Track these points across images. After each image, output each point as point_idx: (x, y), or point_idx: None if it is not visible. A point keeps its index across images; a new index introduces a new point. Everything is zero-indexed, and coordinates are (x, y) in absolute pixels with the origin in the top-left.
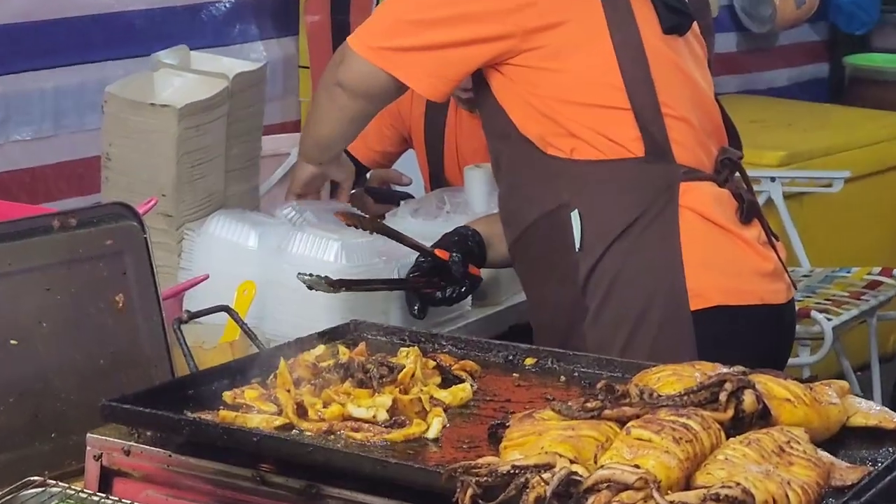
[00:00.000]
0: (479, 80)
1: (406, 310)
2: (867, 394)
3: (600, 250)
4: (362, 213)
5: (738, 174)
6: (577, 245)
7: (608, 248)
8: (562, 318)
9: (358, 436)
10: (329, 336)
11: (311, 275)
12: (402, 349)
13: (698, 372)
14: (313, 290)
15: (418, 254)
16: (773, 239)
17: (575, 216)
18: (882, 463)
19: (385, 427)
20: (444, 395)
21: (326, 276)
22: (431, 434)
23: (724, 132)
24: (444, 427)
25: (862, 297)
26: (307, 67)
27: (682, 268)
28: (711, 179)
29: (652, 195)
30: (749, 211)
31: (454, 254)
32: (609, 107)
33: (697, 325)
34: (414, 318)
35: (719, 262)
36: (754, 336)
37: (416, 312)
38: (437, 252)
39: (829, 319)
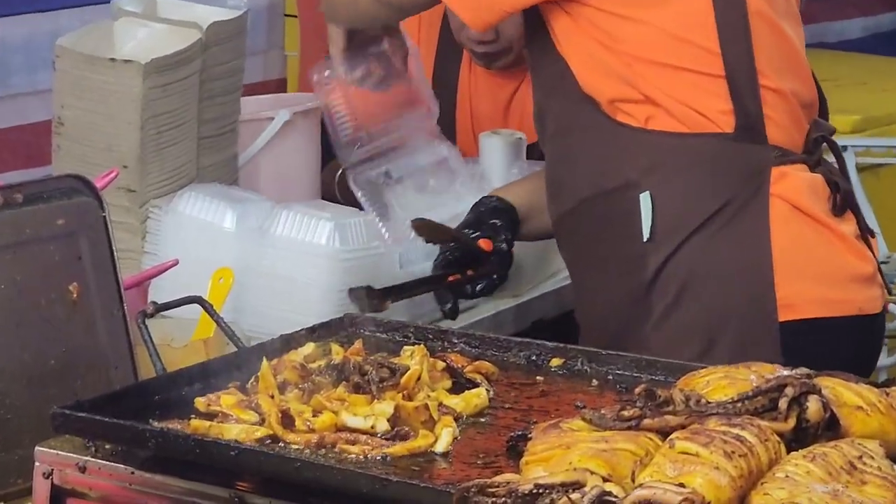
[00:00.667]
0: (534, 20)
1: (409, 303)
2: None
3: (675, 243)
4: (441, 224)
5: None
6: (646, 234)
7: (685, 240)
8: (618, 317)
9: (354, 449)
10: (320, 332)
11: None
12: (405, 348)
13: (754, 374)
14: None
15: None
16: (867, 234)
17: (645, 199)
18: None
19: (385, 439)
20: (456, 402)
21: (368, 287)
22: (440, 448)
23: (818, 102)
24: (454, 439)
25: None
26: (294, 16)
27: (771, 271)
28: (803, 162)
29: (739, 180)
30: (844, 201)
31: (500, 240)
32: (699, 72)
33: (785, 339)
34: (445, 317)
35: (813, 264)
36: (850, 352)
37: (448, 311)
38: (482, 243)
39: None
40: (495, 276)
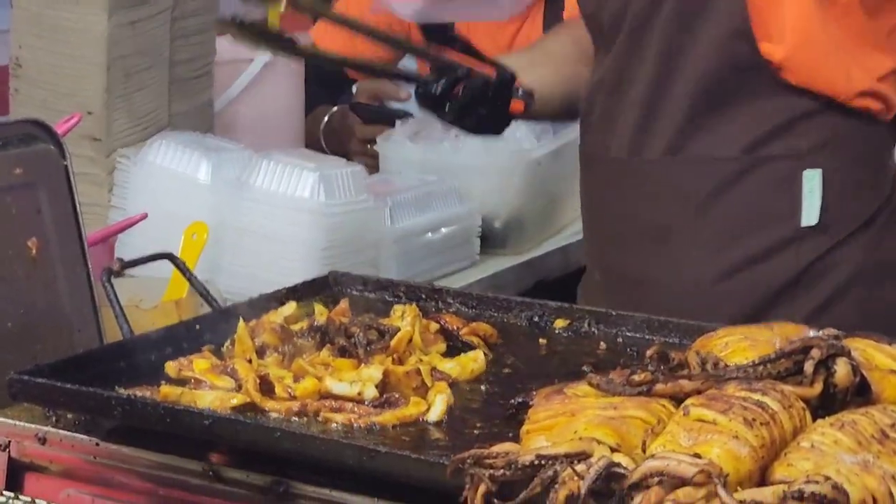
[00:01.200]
0: None
1: (400, 260)
2: None
3: (841, 233)
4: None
5: None
6: (808, 217)
7: (853, 233)
8: (752, 303)
9: (338, 418)
10: (302, 292)
11: None
12: (395, 307)
13: (777, 336)
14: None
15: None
16: None
17: (813, 178)
18: None
19: (373, 407)
20: (450, 367)
21: None
22: (433, 416)
23: None
24: (449, 407)
25: None
26: None
27: None
28: None
29: None
30: None
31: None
32: None
33: None
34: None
35: None
36: None
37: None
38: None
39: None
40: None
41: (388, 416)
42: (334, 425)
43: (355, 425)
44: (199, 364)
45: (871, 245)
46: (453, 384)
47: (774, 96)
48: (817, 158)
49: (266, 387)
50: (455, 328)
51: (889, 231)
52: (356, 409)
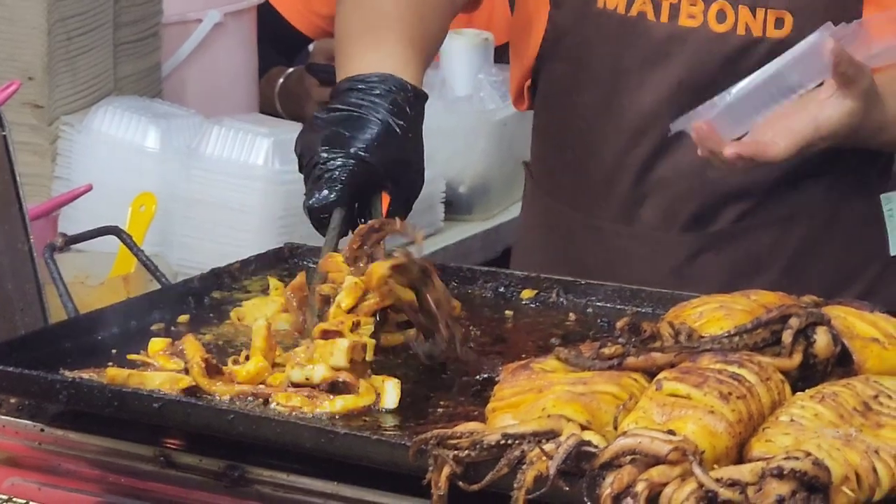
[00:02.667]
0: None
1: None
2: None
3: None
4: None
5: None
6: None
7: None
8: None
9: (286, 403)
10: (257, 265)
11: None
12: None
13: (755, 304)
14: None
15: None
16: None
17: (891, 201)
18: None
19: (325, 391)
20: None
21: None
22: (388, 404)
23: None
24: (409, 386)
25: None
26: None
27: None
28: None
29: None
30: None
31: None
32: None
33: None
34: None
35: None
36: None
37: None
38: None
39: None
40: None
41: (338, 405)
42: (282, 409)
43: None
44: (153, 344)
45: None
46: (415, 360)
47: None
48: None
49: (212, 369)
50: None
51: None
52: (306, 393)
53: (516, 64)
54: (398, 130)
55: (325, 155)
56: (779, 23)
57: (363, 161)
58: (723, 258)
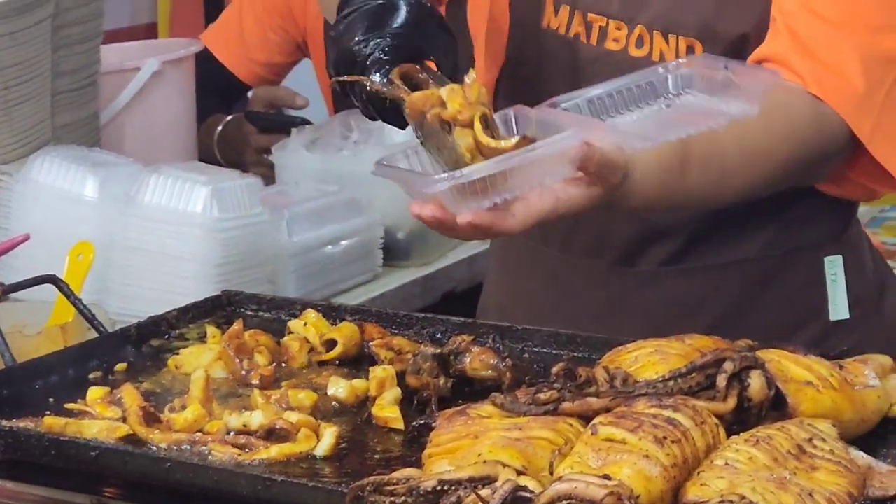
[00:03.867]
0: None
1: (300, 275)
2: None
3: (870, 316)
4: None
5: None
6: (836, 312)
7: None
8: None
9: (222, 451)
10: (195, 313)
11: None
12: (290, 323)
13: (689, 348)
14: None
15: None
16: None
17: (835, 266)
18: None
19: (262, 439)
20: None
21: None
22: (320, 451)
23: None
24: (344, 433)
25: None
26: None
27: None
28: None
29: None
30: None
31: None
32: None
33: None
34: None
35: None
36: None
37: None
38: None
39: None
40: None
41: (274, 452)
42: (222, 457)
43: (239, 461)
44: (92, 393)
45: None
46: (351, 406)
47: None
48: (837, 245)
49: (150, 417)
50: (370, 338)
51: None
52: (243, 441)
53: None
54: (425, 5)
55: (364, 47)
56: (690, 50)
57: (404, 37)
58: (656, 300)
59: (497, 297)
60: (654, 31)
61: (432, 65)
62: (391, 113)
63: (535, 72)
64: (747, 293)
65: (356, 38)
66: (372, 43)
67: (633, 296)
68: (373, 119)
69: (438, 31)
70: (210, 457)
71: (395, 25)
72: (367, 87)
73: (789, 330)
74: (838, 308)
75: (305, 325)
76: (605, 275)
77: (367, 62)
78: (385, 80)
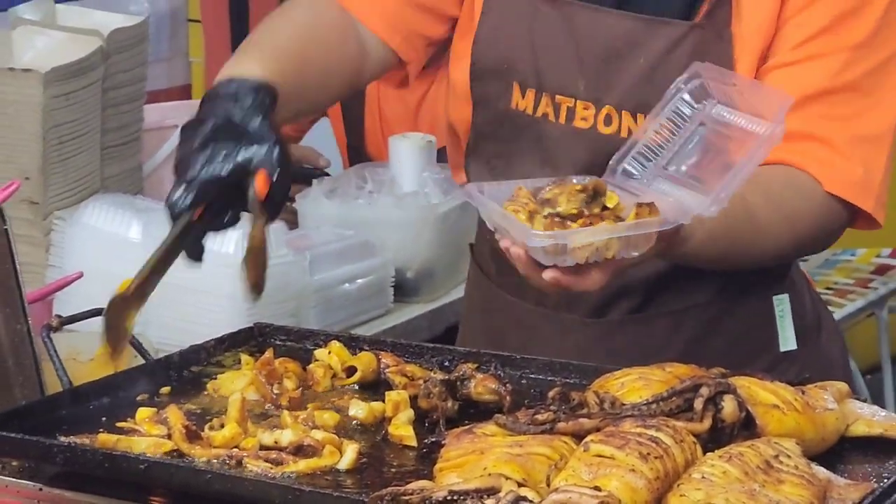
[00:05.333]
0: None
1: (320, 310)
2: (877, 400)
3: (814, 343)
4: None
5: None
6: (784, 342)
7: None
8: None
9: (257, 465)
10: (229, 342)
11: None
12: (315, 352)
13: (669, 375)
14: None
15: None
16: None
17: (782, 304)
18: (888, 479)
19: (291, 454)
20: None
21: None
22: (343, 465)
23: None
24: (365, 448)
25: (869, 285)
26: (198, 21)
27: None
28: None
29: None
30: None
31: None
32: None
33: None
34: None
35: None
36: None
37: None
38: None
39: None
40: None
41: (302, 466)
42: (256, 470)
43: (270, 474)
44: (141, 413)
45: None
46: (370, 425)
47: None
48: (782, 285)
49: (192, 435)
50: (385, 365)
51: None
52: (274, 456)
53: (451, 157)
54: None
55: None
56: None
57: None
58: (620, 346)
59: (472, 339)
60: (623, 111)
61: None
62: None
63: (504, 147)
64: (704, 332)
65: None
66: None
67: (601, 342)
68: None
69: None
70: (245, 470)
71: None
72: None
73: (744, 361)
74: (787, 340)
75: (329, 353)
76: (576, 324)
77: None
78: None
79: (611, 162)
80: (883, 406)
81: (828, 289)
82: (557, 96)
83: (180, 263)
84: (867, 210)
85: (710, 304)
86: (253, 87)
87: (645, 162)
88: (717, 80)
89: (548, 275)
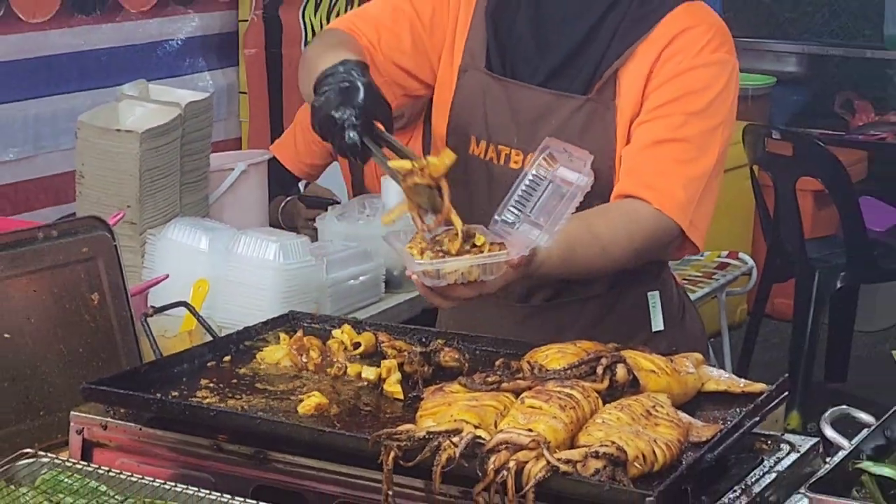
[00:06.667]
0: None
1: (333, 299)
2: (719, 357)
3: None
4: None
5: None
6: (655, 324)
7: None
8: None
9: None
10: (271, 324)
11: None
12: (334, 332)
13: (579, 349)
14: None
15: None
16: None
17: (654, 297)
18: (731, 421)
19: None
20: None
21: None
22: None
23: None
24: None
25: (713, 277)
26: (245, 93)
27: None
28: None
29: None
30: None
31: None
32: None
33: None
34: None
35: None
36: None
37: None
38: None
39: None
40: None
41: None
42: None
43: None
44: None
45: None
46: (372, 382)
47: None
48: (655, 283)
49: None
50: (381, 341)
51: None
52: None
53: None
54: (363, 80)
55: (338, 114)
56: None
57: (364, 108)
58: (541, 322)
59: (446, 322)
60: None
61: (380, 126)
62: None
63: (464, 181)
64: (600, 315)
65: (332, 108)
66: (345, 111)
67: (528, 320)
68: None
69: (383, 105)
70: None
71: (358, 100)
72: (357, 151)
73: (628, 338)
74: (658, 323)
75: (342, 332)
76: (511, 308)
77: (344, 124)
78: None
79: (494, 216)
80: (722, 362)
81: (685, 279)
82: (499, 145)
83: (234, 266)
84: (683, 227)
85: (604, 295)
86: (352, 62)
87: (517, 212)
88: (559, 150)
89: (423, 290)
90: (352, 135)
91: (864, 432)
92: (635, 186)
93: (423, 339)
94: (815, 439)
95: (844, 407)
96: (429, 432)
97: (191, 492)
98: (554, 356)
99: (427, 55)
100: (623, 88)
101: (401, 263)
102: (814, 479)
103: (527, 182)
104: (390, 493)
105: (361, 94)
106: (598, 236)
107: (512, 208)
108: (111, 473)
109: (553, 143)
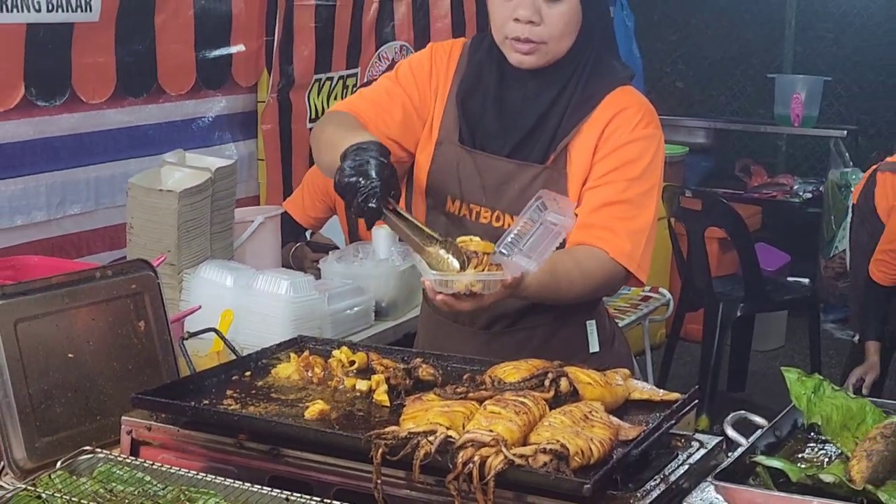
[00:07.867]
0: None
1: (333, 326)
2: (643, 372)
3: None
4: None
5: None
6: (591, 347)
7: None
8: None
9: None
10: (283, 346)
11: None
12: (334, 352)
13: (531, 366)
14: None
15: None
16: None
17: (592, 326)
18: (652, 424)
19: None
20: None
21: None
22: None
23: None
24: (364, 405)
25: (638, 307)
26: (263, 160)
27: None
28: None
29: None
30: None
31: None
32: None
33: None
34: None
35: None
36: None
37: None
38: None
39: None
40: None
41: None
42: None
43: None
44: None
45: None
46: (364, 393)
47: None
48: (592, 314)
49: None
50: (372, 359)
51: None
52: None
53: None
54: (386, 161)
55: (362, 182)
56: None
57: (381, 181)
58: (501, 345)
59: (423, 344)
60: (506, 214)
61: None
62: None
63: (443, 233)
64: (547, 340)
65: (358, 176)
66: (369, 182)
67: (489, 343)
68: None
69: (397, 182)
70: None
71: (383, 174)
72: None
73: (570, 357)
74: (594, 345)
75: (341, 352)
76: (477, 334)
77: (368, 192)
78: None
79: (495, 247)
80: (646, 376)
81: (615, 310)
82: (471, 204)
83: (254, 299)
84: (632, 270)
85: (550, 324)
86: (377, 143)
87: (512, 247)
88: (550, 199)
89: (439, 297)
90: (372, 203)
91: (759, 432)
92: (590, 238)
93: (405, 358)
94: (720, 438)
95: (743, 412)
96: (410, 433)
97: (218, 481)
98: (510, 371)
99: (413, 129)
100: (573, 158)
101: (389, 297)
102: (718, 470)
103: (522, 223)
104: (379, 481)
105: (385, 171)
106: (567, 273)
107: (510, 243)
108: (154, 466)
109: (545, 194)
